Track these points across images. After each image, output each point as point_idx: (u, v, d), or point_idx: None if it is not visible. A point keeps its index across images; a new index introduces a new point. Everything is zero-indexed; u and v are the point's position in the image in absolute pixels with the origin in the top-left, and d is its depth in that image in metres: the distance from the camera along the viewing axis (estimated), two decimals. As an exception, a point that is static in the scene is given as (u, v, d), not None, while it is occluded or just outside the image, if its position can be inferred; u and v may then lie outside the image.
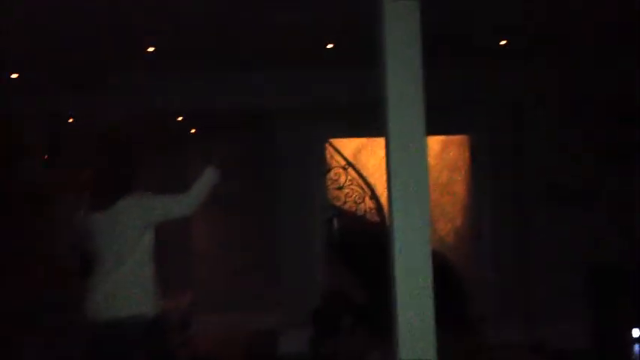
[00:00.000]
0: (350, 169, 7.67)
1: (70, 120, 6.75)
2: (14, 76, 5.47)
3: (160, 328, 3.41)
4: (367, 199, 7.75)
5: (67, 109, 6.20)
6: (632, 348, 4.77)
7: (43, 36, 4.69)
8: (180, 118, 7.07)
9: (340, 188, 7.63)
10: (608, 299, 5.47)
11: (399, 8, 3.13)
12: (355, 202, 7.71)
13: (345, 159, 7.66)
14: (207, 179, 3.40)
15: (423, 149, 3.18)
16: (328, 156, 7.19)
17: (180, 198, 3.37)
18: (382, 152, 9.00)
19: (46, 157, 6.71)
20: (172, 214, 3.38)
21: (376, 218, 7.78)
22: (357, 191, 7.72)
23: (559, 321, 5.98)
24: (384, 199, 7.91)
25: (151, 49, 5.23)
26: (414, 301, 3.07)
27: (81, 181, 3.51)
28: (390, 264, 3.14)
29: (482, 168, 6.70)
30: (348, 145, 8.22)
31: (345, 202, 7.65)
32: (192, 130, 7.75)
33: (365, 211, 7.70)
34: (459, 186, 7.65)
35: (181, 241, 7.40)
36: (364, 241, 7.43)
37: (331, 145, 7.33)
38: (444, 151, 7.88)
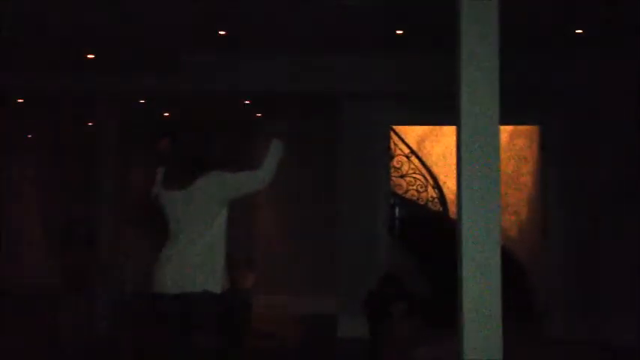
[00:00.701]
0: (413, 158, 7.63)
1: (143, 101, 6.95)
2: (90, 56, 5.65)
3: (229, 305, 3.50)
4: (430, 188, 7.70)
5: (143, 90, 6.37)
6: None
7: (123, 19, 4.82)
8: (247, 102, 7.16)
9: (403, 177, 7.61)
10: None
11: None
12: (417, 191, 7.67)
13: (408, 147, 7.62)
14: (274, 151, 3.45)
15: (495, 140, 3.13)
16: (392, 144, 7.15)
17: (253, 173, 3.44)
18: (446, 141, 8.99)
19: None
20: (247, 189, 3.46)
21: (438, 207, 7.73)
22: (419, 180, 7.68)
23: (624, 319, 5.82)
24: (446, 189, 7.84)
25: (222, 33, 5.31)
26: (482, 298, 3.04)
27: (157, 158, 3.62)
28: (458, 259, 3.11)
29: (551, 160, 6.54)
30: (412, 133, 8.17)
31: (407, 191, 7.62)
32: (259, 114, 7.84)
33: (427, 199, 7.66)
34: (527, 178, 7.51)
35: (245, 225, 7.54)
36: (424, 231, 7.40)
37: (395, 132, 7.30)
38: (511, 142, 7.73)
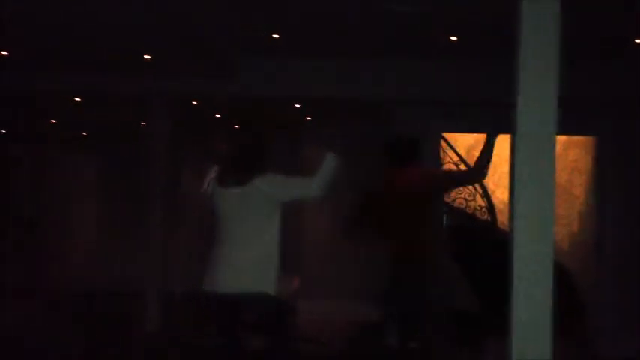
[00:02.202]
0: (462, 166, 7.54)
1: (195, 102, 7.07)
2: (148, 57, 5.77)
3: (280, 307, 3.53)
4: (478, 197, 7.60)
5: (197, 92, 6.48)
6: None
7: (177, 23, 4.91)
8: (297, 105, 7.21)
9: (451, 185, 7.53)
10: None
11: (538, 6, 3.05)
12: (465, 200, 7.58)
13: (457, 155, 7.54)
14: (328, 165, 3.54)
15: (551, 152, 3.08)
16: (441, 151, 7.09)
17: (307, 181, 3.53)
18: (496, 150, 8.87)
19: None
20: (299, 196, 3.57)
21: (486, 216, 7.61)
22: (468, 188, 7.59)
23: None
24: (495, 198, 7.72)
25: (275, 36, 5.36)
26: (532, 301, 3.00)
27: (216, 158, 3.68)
28: (510, 266, 3.07)
29: (605, 172, 6.39)
30: (462, 141, 8.08)
31: (455, 200, 7.54)
32: (308, 118, 7.89)
33: (475, 209, 7.56)
34: (579, 189, 7.35)
35: (292, 229, 7.55)
36: (473, 240, 7.29)
37: (445, 140, 7.24)
38: (564, 153, 7.58)
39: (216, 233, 3.51)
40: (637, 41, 5.21)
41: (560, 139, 7.51)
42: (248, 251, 3.44)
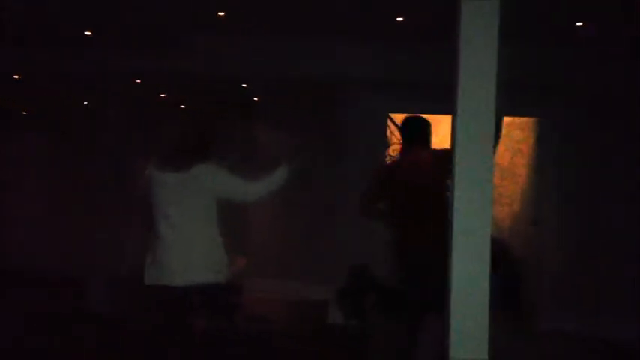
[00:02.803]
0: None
1: (139, 81, 6.91)
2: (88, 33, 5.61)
3: (221, 291, 3.49)
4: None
5: (140, 70, 6.33)
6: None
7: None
8: (244, 85, 7.12)
9: (399, 165, 7.56)
10: None
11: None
12: (413, 180, 7.64)
13: (405, 136, 7.57)
14: (278, 178, 3.48)
15: (490, 131, 3.11)
16: (388, 132, 7.12)
17: (246, 186, 3.44)
18: (443, 130, 8.94)
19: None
20: (234, 198, 3.48)
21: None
22: (415, 169, 7.63)
23: (615, 313, 5.85)
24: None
25: (221, 14, 5.27)
26: (470, 291, 3.02)
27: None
28: (448, 248, 3.10)
29: (547, 153, 6.54)
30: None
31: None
32: (255, 98, 7.81)
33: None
34: (522, 170, 7.50)
35: (237, 209, 7.49)
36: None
37: (392, 120, 7.26)
38: (509, 134, 7.71)
39: (154, 219, 3.41)
40: (578, 24, 5.32)
41: (505, 120, 7.65)
42: (190, 241, 3.37)
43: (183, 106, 7.33)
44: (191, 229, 3.38)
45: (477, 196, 3.08)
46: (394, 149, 7.36)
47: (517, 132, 7.59)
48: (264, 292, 7.27)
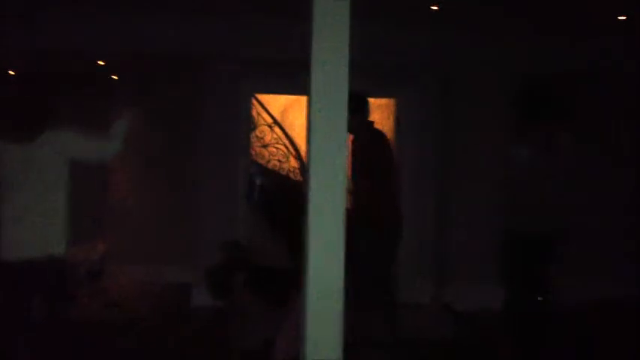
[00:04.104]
0: (276, 128, 7.61)
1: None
2: None
3: (64, 272, 3.36)
4: (292, 158, 7.74)
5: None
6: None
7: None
8: (102, 62, 6.80)
9: (265, 147, 7.57)
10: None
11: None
12: (279, 161, 7.68)
13: (271, 116, 7.59)
14: (120, 128, 3.48)
15: (343, 111, 3.16)
16: (255, 113, 7.09)
17: (101, 142, 3.44)
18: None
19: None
20: (92, 156, 3.47)
21: (299, 178, 7.78)
22: (281, 150, 7.68)
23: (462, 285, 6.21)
24: (308, 160, 7.91)
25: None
26: (326, 283, 3.05)
27: None
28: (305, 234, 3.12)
29: (405, 133, 6.79)
30: (275, 103, 8.13)
31: (269, 161, 7.60)
32: (114, 76, 7.48)
33: (288, 170, 7.69)
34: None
35: (96, 191, 7.19)
36: (283, 201, 7.43)
37: (258, 101, 7.23)
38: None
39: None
40: (433, 8, 5.52)
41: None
42: (35, 214, 3.23)
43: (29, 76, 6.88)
44: (39, 202, 3.24)
45: (331, 177, 3.12)
46: (261, 130, 7.37)
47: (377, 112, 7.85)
48: (125, 277, 7.06)
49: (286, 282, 5.42)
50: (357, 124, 4.91)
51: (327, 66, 3.14)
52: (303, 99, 9.02)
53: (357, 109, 4.92)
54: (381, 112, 7.67)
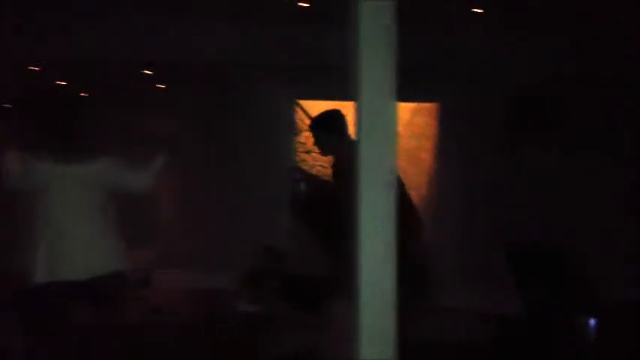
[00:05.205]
0: (314, 132, 7.60)
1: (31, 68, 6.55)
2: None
3: (118, 284, 3.42)
4: (335, 163, 7.72)
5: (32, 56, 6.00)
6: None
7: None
8: (149, 72, 6.90)
9: (308, 152, 7.59)
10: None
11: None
12: (322, 167, 7.68)
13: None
14: (158, 165, 3.56)
15: (393, 115, 3.12)
16: (298, 119, 7.10)
17: (138, 178, 3.53)
18: (353, 117, 8.99)
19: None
20: (127, 190, 3.55)
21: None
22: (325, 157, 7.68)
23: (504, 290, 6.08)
24: (351, 165, 7.88)
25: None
26: (378, 283, 3.02)
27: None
28: (354, 237, 3.10)
29: (450, 137, 6.71)
30: (319, 108, 8.12)
31: (312, 167, 7.61)
32: (161, 85, 7.59)
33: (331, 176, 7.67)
34: (427, 154, 7.66)
35: (141, 201, 7.29)
36: (326, 207, 7.41)
37: (300, 107, 7.24)
38: (412, 119, 7.86)
39: (36, 213, 3.30)
40: (475, 10, 5.45)
41: (409, 105, 7.82)
42: (87, 234, 3.29)
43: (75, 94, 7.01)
44: (89, 222, 3.29)
45: (380, 184, 3.09)
46: (305, 136, 7.38)
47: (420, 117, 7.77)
48: (170, 284, 7.15)
49: (325, 289, 5.41)
50: (335, 144, 4.33)
51: (373, 70, 3.12)
52: (346, 104, 9.03)
53: (332, 127, 4.33)
54: (422, 117, 7.61)
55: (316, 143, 4.35)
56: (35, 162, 3.32)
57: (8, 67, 6.21)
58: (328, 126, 4.29)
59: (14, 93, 6.87)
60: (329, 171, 7.59)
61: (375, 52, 3.10)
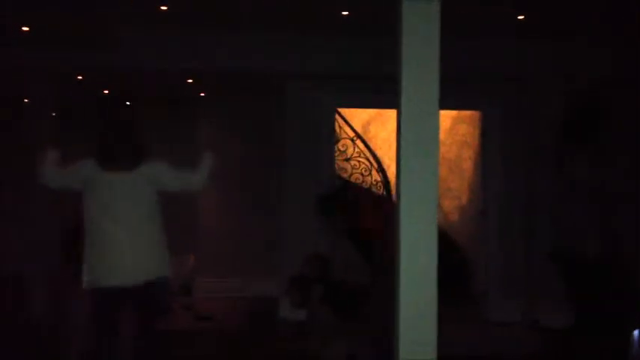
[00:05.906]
0: (358, 141, 7.63)
1: (80, 77, 6.71)
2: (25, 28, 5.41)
3: (162, 291, 3.46)
4: (374, 171, 7.72)
5: (80, 66, 6.13)
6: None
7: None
8: (190, 80, 7.01)
9: (348, 160, 7.60)
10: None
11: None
12: (362, 174, 7.68)
13: (354, 130, 7.60)
14: (206, 163, 3.63)
15: (435, 124, 3.13)
16: (337, 127, 7.12)
17: (189, 176, 3.59)
18: (391, 125, 9.05)
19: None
20: (180, 188, 3.62)
21: (382, 191, 7.75)
22: (364, 163, 7.68)
23: (552, 301, 5.97)
24: (390, 173, 7.87)
25: (163, 8, 5.16)
26: (419, 290, 3.03)
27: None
28: (395, 245, 3.10)
29: (490, 145, 6.64)
30: (358, 116, 8.14)
31: (351, 174, 7.62)
32: (202, 94, 7.70)
33: (371, 184, 7.68)
34: (468, 163, 7.60)
35: (184, 208, 7.40)
36: (366, 214, 7.41)
37: (340, 115, 7.27)
38: (454, 127, 7.81)
39: (91, 220, 3.35)
40: (520, 17, 5.41)
41: (451, 114, 7.77)
42: (140, 239, 3.35)
43: (120, 101, 7.16)
44: (140, 228, 3.35)
45: (422, 190, 3.09)
46: (343, 144, 7.40)
47: (463, 125, 7.72)
48: (215, 291, 7.22)
49: (364, 296, 5.41)
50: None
51: (417, 80, 3.12)
52: (385, 112, 9.05)
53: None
54: (466, 125, 7.56)
55: None
56: (88, 168, 3.39)
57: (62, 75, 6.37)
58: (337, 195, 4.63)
59: (68, 100, 7.03)
60: (368, 178, 7.64)
61: (418, 58, 3.11)
